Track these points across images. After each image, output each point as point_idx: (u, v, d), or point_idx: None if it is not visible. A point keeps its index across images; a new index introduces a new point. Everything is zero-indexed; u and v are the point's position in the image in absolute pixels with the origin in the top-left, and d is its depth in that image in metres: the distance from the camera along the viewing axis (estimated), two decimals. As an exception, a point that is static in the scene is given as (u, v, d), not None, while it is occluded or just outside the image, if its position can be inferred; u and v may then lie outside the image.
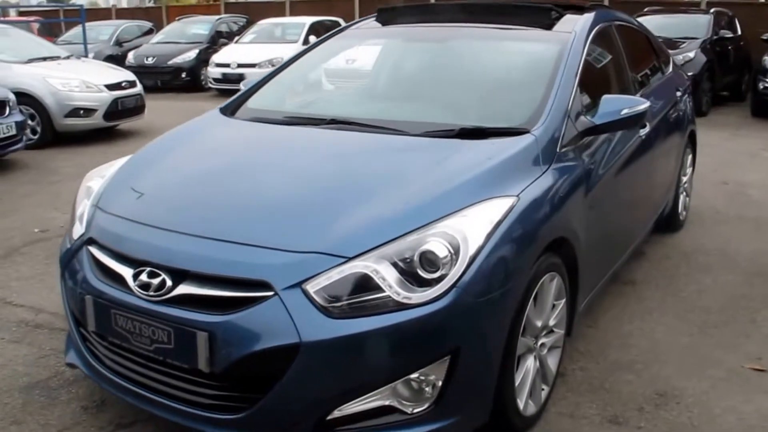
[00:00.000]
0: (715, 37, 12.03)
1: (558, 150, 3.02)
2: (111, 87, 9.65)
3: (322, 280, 2.32)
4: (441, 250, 2.36)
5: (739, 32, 13.51)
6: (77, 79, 9.41)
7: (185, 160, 3.25)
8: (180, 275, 2.45)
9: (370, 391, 2.33)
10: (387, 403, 2.37)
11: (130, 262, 2.59)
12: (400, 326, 2.28)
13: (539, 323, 2.81)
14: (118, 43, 18.14)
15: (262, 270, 2.36)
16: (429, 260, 2.35)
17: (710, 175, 7.26)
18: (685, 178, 5.50)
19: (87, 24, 16.84)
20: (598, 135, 3.32)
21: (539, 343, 2.87)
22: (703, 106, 11.39)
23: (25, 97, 8.84)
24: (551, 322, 2.94)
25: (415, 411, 2.40)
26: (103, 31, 18.42)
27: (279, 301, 2.30)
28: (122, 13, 23.22)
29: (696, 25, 11.98)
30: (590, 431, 2.90)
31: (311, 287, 2.31)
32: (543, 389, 2.96)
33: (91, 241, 2.81)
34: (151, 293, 2.46)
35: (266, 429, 2.38)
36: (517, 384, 2.69)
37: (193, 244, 2.52)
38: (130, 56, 16.35)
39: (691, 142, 5.60)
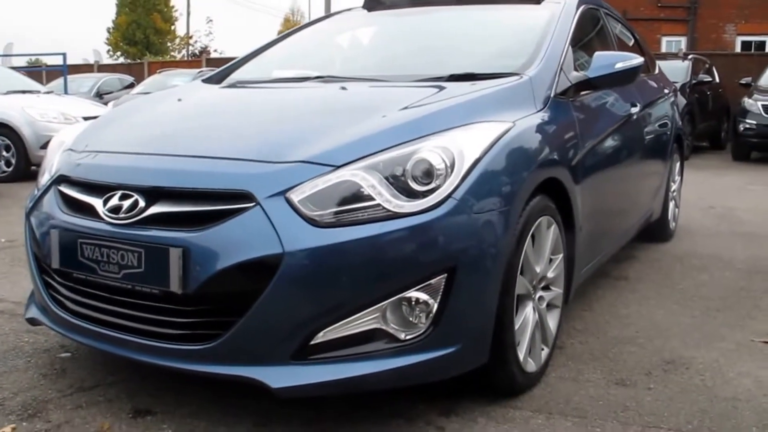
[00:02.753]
0: (694, 81, 12.14)
1: (552, 95, 2.90)
2: (88, 119, 9.46)
3: (307, 189, 2.14)
4: (436, 160, 2.20)
5: (717, 79, 13.68)
6: (55, 110, 9.26)
7: (162, 109, 3.10)
8: (153, 195, 2.26)
9: (358, 311, 2.12)
10: (377, 326, 2.15)
11: (101, 190, 2.40)
12: (392, 235, 2.09)
13: (538, 269, 2.62)
14: (99, 95, 18.08)
15: (243, 180, 2.18)
16: (423, 171, 2.19)
17: (697, 202, 7.16)
18: (674, 185, 5.39)
19: (69, 77, 16.83)
20: (593, 89, 3.21)
21: (538, 295, 2.67)
22: (684, 151, 11.34)
23: (1, 128, 8.65)
24: (550, 274, 2.75)
25: (408, 338, 2.18)
26: (85, 83, 18.40)
27: (260, 211, 2.10)
28: (104, 68, 23.31)
29: (675, 69, 12.03)
30: (597, 392, 2.67)
31: (295, 196, 2.12)
32: (543, 349, 2.74)
33: (60, 180, 2.61)
34: (122, 215, 2.26)
35: (240, 358, 2.15)
36: (516, 327, 2.48)
37: (167, 162, 2.35)
38: (110, 106, 16.26)
39: (679, 148, 5.51)
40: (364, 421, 2.43)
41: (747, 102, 11.34)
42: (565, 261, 2.87)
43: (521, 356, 2.53)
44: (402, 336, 2.17)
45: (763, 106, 11.05)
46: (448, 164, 2.21)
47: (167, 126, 2.78)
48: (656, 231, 5.15)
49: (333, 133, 2.34)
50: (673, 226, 5.46)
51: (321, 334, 2.12)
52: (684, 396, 2.66)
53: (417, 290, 2.15)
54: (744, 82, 12.12)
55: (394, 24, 4.03)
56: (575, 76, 3.13)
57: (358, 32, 4.11)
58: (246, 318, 2.09)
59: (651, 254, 4.91)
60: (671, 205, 5.33)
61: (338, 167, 2.17)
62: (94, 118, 9.35)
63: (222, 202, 2.16)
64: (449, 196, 2.16)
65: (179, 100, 3.17)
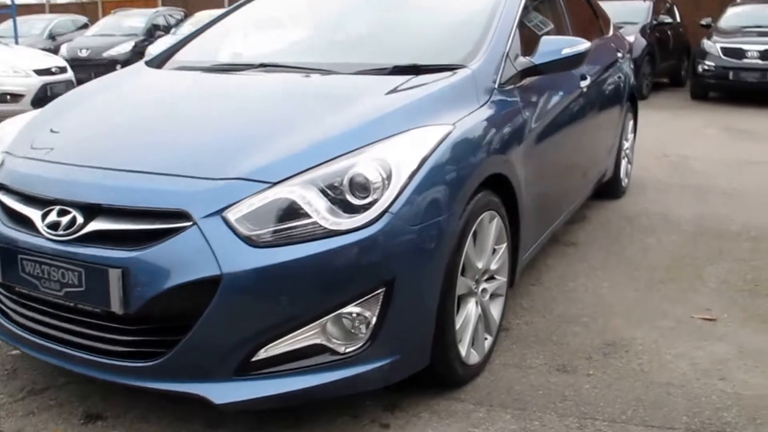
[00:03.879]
0: (654, 23, 12.13)
1: (496, 86, 2.90)
2: (40, 72, 9.32)
3: (244, 207, 2.14)
4: (373, 174, 2.21)
5: (678, 19, 13.68)
6: (4, 63, 9.02)
7: (102, 105, 3.05)
8: (91, 211, 2.25)
9: (298, 327, 2.16)
10: (317, 342, 2.20)
11: (40, 203, 2.38)
12: (330, 254, 2.12)
13: (480, 265, 2.67)
14: (51, 37, 17.58)
15: (179, 198, 2.17)
16: (360, 185, 2.20)
17: (652, 149, 7.25)
18: (626, 143, 5.44)
19: (19, 18, 16.28)
20: (539, 75, 3.21)
21: (480, 288, 2.73)
22: (644, 90, 11.48)
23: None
24: (493, 266, 2.80)
25: (348, 350, 2.23)
26: (36, 25, 17.84)
27: (197, 231, 2.11)
28: (56, 9, 22.55)
29: (636, 10, 12.06)
30: (538, 380, 2.77)
31: (232, 215, 2.13)
32: (486, 339, 2.82)
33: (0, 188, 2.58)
34: (60, 232, 2.25)
35: (185, 374, 2.19)
36: (458, 327, 2.54)
37: (104, 177, 2.32)
38: (63, 49, 15.84)
39: (633, 107, 5.55)
40: (309, 418, 2.50)
41: (706, 44, 11.40)
42: (509, 249, 2.93)
43: (463, 352, 2.60)
44: (342, 349, 2.22)
45: (721, 48, 11.14)
46: (385, 177, 2.22)
47: (107, 129, 2.74)
48: (608, 189, 5.22)
49: (270, 144, 2.33)
50: (625, 183, 5.55)
51: (263, 350, 2.16)
52: (621, 383, 2.76)
53: (356, 305, 2.19)
54: (704, 23, 12.18)
55: (337, 3, 3.96)
56: (521, 62, 3.12)
57: (302, 7, 4.03)
58: (188, 337, 2.12)
59: (602, 214, 5.00)
60: (623, 162, 5.40)
61: (275, 184, 2.17)
62: (46, 71, 9.30)
63: (160, 221, 2.16)
64: (386, 210, 2.18)
65: (120, 93, 3.12)
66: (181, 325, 2.14)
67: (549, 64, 3.14)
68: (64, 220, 2.26)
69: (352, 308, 2.19)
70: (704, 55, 11.27)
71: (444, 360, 2.51)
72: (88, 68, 15.08)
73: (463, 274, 2.54)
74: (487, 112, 2.77)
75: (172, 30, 16.21)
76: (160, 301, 2.12)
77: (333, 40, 3.53)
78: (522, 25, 3.34)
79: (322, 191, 2.18)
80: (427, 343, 2.41)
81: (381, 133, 2.36)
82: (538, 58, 3.13)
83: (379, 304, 2.22)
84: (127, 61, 15.53)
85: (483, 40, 3.05)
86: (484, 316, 2.78)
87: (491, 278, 2.83)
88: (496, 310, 2.89)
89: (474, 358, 2.71)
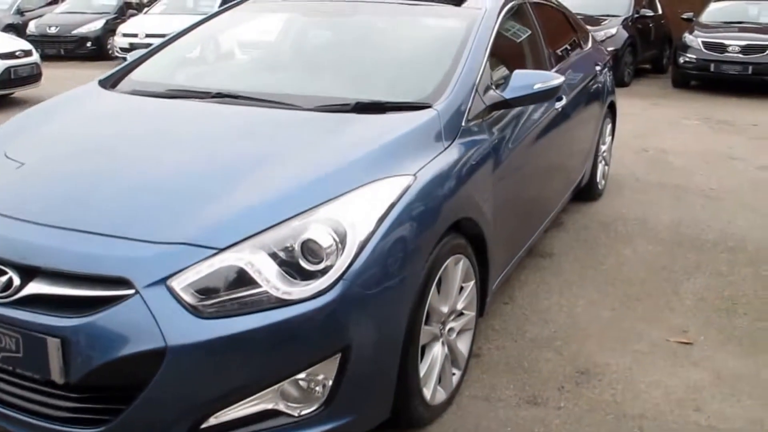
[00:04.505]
0: (636, 15, 12.36)
1: (463, 125, 2.75)
2: (3, 56, 9.08)
3: (190, 275, 1.98)
4: (324, 239, 2.06)
5: (660, 11, 13.87)
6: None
7: (45, 139, 2.83)
8: (29, 272, 2.07)
9: (250, 395, 2.03)
10: (270, 406, 2.07)
11: None
12: (281, 325, 1.98)
13: (445, 309, 2.54)
14: (20, 12, 17.14)
15: (121, 265, 2.01)
16: (311, 250, 2.05)
17: (631, 142, 7.16)
18: (604, 147, 5.33)
19: (-14, -8, 15.88)
20: (510, 109, 3.07)
21: (447, 328, 2.61)
22: (625, 78, 11.66)
23: None
24: (459, 306, 2.67)
25: (303, 413, 2.11)
26: (4, 0, 17.35)
27: (141, 301, 1.95)
28: (26, -17, 21.92)
29: (617, 4, 12.31)
30: (506, 414, 2.66)
31: (177, 284, 1.97)
32: (454, 374, 2.70)
33: None
34: None
35: None
36: (422, 374, 2.43)
37: (44, 236, 2.13)
38: (32, 25, 15.59)
39: (611, 113, 5.46)
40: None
41: (688, 38, 11.54)
42: (477, 284, 2.80)
43: (428, 395, 2.49)
44: (297, 412, 2.10)
45: (702, 42, 11.29)
46: (338, 241, 2.08)
47: (47, 172, 2.53)
48: (585, 192, 5.11)
49: (219, 201, 2.17)
50: (602, 185, 5.44)
51: (213, 417, 2.03)
52: (592, 416, 2.67)
53: (310, 371, 2.07)
54: (686, 17, 12.38)
55: (305, 24, 3.77)
56: (491, 96, 2.96)
57: (269, 26, 3.83)
58: (133, 407, 1.98)
59: (578, 220, 4.89)
60: (600, 165, 5.29)
61: (222, 250, 2.02)
62: (10, 54, 9.01)
63: (101, 287, 2.00)
64: (340, 277, 2.04)
65: (66, 124, 2.93)
66: (124, 396, 2.00)
67: (520, 99, 2.98)
68: (1, 280, 2.08)
69: (306, 373, 2.07)
70: (686, 48, 11.42)
71: (407, 407, 2.40)
72: (57, 45, 14.88)
73: (427, 322, 2.41)
74: (452, 155, 2.60)
75: (144, 9, 15.86)
76: (102, 372, 1.97)
77: (297, 67, 3.35)
78: (493, 53, 3.17)
79: (273, 256, 2.03)
80: (387, 397, 2.30)
81: (336, 188, 2.20)
82: (509, 92, 2.96)
83: (335, 368, 2.09)
84: (97, 38, 15.25)
85: (452, 73, 2.89)
86: (451, 352, 2.67)
87: (459, 315, 2.71)
88: (464, 345, 2.78)
89: (440, 396, 2.59)
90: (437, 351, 2.54)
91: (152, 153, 2.58)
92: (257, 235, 2.04)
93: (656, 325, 3.38)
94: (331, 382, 2.10)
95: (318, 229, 2.07)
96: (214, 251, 2.01)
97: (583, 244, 4.46)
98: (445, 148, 2.60)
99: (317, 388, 2.09)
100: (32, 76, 9.69)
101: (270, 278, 1.99)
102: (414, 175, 2.35)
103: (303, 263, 2.03)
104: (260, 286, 1.99)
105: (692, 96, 10.85)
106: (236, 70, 3.43)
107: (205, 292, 1.98)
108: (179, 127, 2.83)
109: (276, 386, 2.05)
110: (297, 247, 2.04)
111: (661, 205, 5.27)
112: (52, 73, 10.74)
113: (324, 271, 2.03)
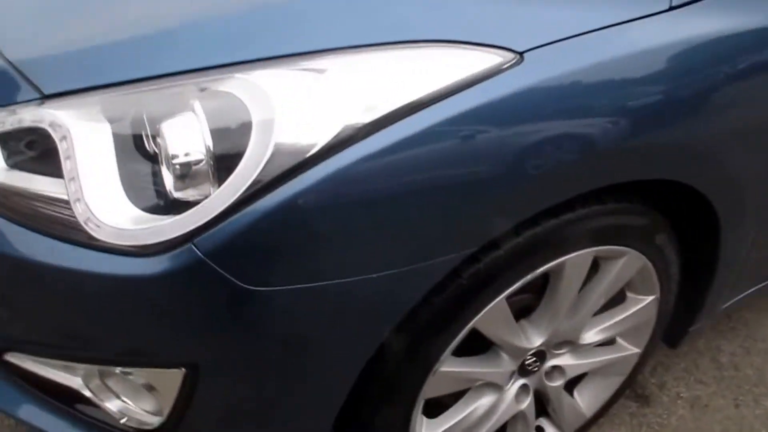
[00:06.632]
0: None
1: None
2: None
3: None
4: (186, 138, 0.97)
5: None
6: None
7: None
8: None
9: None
10: (75, 387, 1.21)
11: None
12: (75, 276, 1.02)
13: (539, 337, 1.40)
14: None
15: None
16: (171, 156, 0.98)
17: None
18: None
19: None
20: None
21: (547, 365, 1.49)
22: None
23: None
24: (593, 334, 1.50)
25: (129, 424, 1.22)
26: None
27: None
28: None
29: None
30: None
31: None
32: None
33: None
34: None
35: None
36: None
37: None
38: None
39: None
40: None
41: None
42: (662, 301, 1.55)
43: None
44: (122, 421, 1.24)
45: None
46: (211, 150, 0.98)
47: None
48: None
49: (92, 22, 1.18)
50: None
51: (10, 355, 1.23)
52: None
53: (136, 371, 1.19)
54: None
55: None
56: None
57: None
58: None
59: None
60: None
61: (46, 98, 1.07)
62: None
63: None
64: (201, 229, 0.97)
65: None
66: None
67: None
68: None
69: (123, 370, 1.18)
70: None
71: None
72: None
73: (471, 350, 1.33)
74: (682, 26, 1.15)
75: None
76: None
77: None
78: None
79: (121, 140, 1.02)
80: None
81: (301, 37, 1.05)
82: None
83: (177, 389, 1.13)
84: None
85: None
86: (550, 406, 1.56)
87: (585, 347, 1.53)
88: (590, 398, 1.64)
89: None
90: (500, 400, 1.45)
91: None
92: (105, 90, 1.04)
93: None
94: (168, 409, 1.16)
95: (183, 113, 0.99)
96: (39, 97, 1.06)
97: None
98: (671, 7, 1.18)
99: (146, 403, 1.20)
100: None
101: (84, 189, 0.99)
102: (521, 54, 1.05)
103: (170, 176, 0.98)
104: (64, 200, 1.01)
105: None
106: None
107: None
108: None
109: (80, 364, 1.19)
110: (167, 136, 0.98)
111: None
112: None
113: (187, 206, 0.98)
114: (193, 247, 0.95)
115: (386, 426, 1.30)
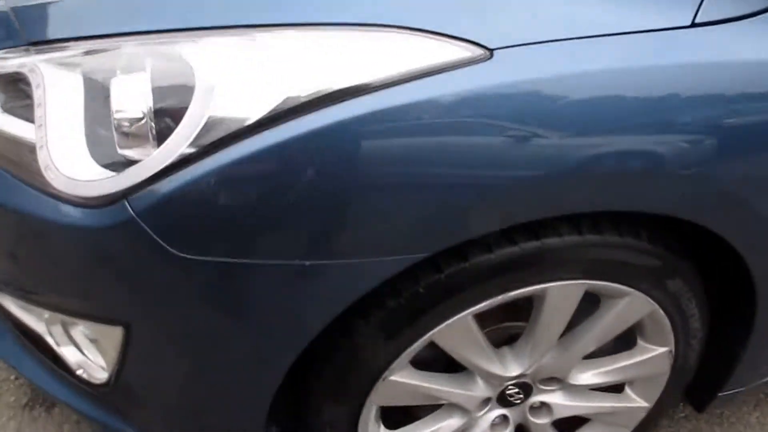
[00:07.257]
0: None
1: None
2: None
3: None
4: (131, 96, 0.95)
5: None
6: None
7: None
8: None
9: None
10: (39, 332, 1.26)
11: None
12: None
13: (518, 367, 1.29)
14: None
15: None
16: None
17: None
18: None
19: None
20: None
21: (532, 400, 1.37)
22: None
23: None
24: (589, 377, 1.38)
25: (83, 375, 1.25)
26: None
27: None
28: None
29: None
30: None
31: None
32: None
33: None
34: None
35: None
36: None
37: None
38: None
39: None
40: None
41: None
42: (676, 353, 1.38)
43: None
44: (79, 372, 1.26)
45: None
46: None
47: None
48: None
49: None
50: None
51: None
52: None
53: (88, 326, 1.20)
54: None
55: None
56: None
57: None
58: None
59: None
60: None
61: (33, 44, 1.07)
62: None
63: None
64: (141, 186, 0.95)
65: None
66: None
67: None
68: None
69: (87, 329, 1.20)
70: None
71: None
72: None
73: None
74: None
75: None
76: None
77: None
78: None
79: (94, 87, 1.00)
80: None
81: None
82: None
83: (119, 347, 1.12)
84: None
85: None
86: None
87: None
88: None
89: None
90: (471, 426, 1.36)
91: None
92: (84, 42, 1.03)
93: None
94: (111, 366, 1.17)
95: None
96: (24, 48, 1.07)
97: None
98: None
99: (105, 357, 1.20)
100: None
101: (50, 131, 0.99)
102: (491, 50, 0.98)
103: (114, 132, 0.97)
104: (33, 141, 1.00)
105: None
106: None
107: None
108: None
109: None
110: (113, 92, 0.97)
111: None
112: None
113: (133, 164, 0.96)
114: (126, 204, 0.95)
115: (332, 423, 1.25)
